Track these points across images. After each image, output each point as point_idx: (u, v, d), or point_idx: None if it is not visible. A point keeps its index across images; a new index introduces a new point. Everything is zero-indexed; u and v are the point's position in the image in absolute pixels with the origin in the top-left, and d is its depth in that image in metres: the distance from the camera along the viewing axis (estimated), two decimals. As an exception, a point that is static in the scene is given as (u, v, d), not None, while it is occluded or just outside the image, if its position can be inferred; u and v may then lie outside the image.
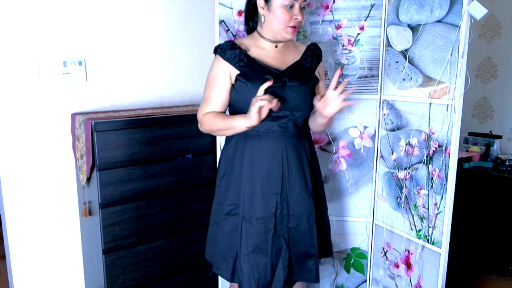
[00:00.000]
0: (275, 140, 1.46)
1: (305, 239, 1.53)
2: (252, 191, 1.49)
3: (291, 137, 1.48)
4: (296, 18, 1.41)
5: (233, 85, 1.47)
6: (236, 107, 1.49)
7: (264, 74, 1.42)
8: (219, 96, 1.47)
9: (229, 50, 1.44)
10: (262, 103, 1.30)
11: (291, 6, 1.40)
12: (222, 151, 1.60)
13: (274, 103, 1.33)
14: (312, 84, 1.51)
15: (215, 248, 1.59)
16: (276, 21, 1.42)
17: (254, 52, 1.47)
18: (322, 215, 1.62)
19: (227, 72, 1.45)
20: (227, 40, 1.59)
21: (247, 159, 1.48)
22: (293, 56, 1.52)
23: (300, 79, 1.47)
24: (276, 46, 1.49)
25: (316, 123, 1.54)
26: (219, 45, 1.49)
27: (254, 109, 1.31)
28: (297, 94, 1.45)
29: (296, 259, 1.54)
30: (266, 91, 1.35)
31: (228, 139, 1.56)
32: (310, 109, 1.50)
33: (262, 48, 1.49)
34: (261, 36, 1.49)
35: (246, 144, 1.48)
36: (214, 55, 1.50)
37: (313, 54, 1.54)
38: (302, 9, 1.42)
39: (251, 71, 1.43)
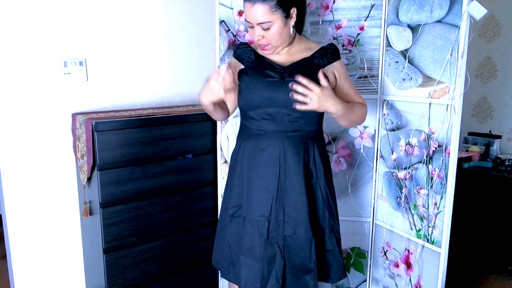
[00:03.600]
0: (272, 139, 1.41)
1: (303, 250, 1.42)
2: (249, 191, 1.45)
3: (292, 138, 1.41)
4: (258, 39, 1.37)
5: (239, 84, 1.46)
6: (241, 105, 1.48)
7: (266, 69, 1.40)
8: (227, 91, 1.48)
9: (239, 49, 1.49)
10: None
11: (252, 27, 1.37)
12: (231, 154, 1.58)
13: (223, 72, 1.28)
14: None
15: (222, 253, 1.55)
16: None
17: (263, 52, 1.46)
18: (334, 232, 1.51)
19: (235, 68, 1.46)
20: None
21: (246, 158, 1.46)
22: (303, 56, 1.44)
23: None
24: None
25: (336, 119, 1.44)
26: (235, 47, 1.54)
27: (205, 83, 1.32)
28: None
29: (292, 272, 1.44)
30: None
31: (236, 140, 1.55)
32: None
33: None
34: None
35: (246, 143, 1.46)
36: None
37: (325, 52, 1.44)
38: (266, 30, 1.34)
39: (255, 66, 1.42)
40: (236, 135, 1.56)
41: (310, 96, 1.27)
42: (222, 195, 1.62)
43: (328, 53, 1.44)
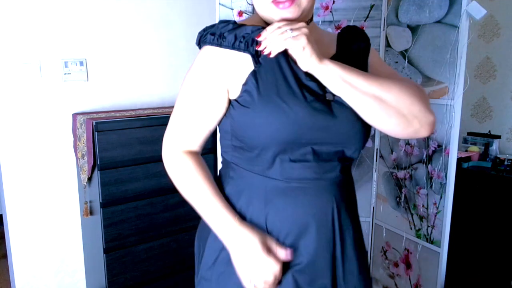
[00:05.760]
0: (319, 195, 0.84)
1: None
2: None
3: (342, 188, 0.87)
4: None
5: (232, 101, 0.83)
6: (257, 142, 0.81)
7: (299, 76, 0.80)
8: (205, 122, 0.86)
9: (230, 31, 0.81)
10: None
11: None
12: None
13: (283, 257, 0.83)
14: None
15: None
16: None
17: None
18: None
19: (226, 75, 0.82)
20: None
21: (271, 232, 0.85)
22: (326, 50, 0.89)
23: None
24: None
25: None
26: (208, 28, 0.84)
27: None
28: (348, 117, 0.82)
29: None
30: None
31: (229, 192, 0.89)
32: (366, 139, 0.87)
33: None
34: (264, 19, 0.87)
35: (269, 205, 0.84)
36: (198, 47, 0.87)
37: (357, 38, 0.98)
38: None
39: (275, 69, 0.80)
40: (225, 188, 0.90)
41: (292, 28, 0.76)
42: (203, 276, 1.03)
43: (363, 39, 1.01)
